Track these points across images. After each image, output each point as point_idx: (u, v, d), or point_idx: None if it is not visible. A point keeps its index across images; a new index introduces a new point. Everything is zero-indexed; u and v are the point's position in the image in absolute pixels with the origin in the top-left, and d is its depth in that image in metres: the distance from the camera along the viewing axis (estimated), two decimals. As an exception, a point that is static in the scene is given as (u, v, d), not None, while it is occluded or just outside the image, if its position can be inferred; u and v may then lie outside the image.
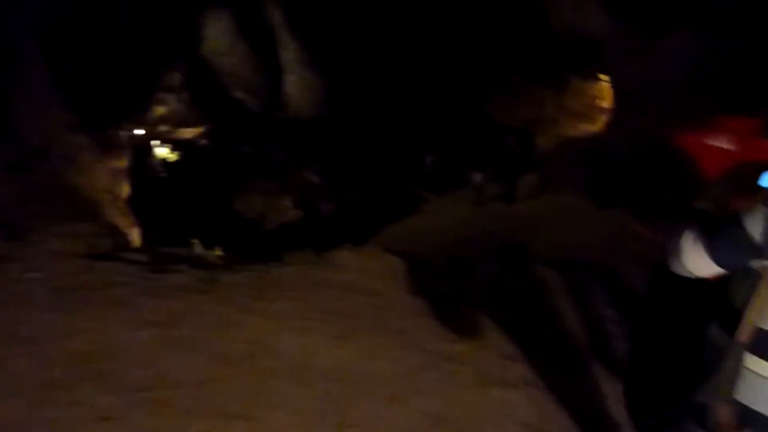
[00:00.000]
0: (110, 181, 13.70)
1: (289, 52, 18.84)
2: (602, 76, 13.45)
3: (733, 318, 1.72)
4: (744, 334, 1.68)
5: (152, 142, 17.41)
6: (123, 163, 15.24)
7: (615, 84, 11.91)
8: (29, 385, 2.88)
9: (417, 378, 3.52)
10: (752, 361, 1.68)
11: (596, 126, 13.52)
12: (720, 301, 1.81)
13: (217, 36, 18.55)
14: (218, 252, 11.70)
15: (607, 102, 13.76)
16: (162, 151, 17.60)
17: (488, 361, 3.74)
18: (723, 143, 1.90)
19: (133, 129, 16.38)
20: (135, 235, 13.52)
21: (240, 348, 3.42)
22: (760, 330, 1.66)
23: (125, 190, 14.40)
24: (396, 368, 3.57)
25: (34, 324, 3.21)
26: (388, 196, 13.41)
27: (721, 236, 1.71)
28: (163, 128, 17.92)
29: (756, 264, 1.67)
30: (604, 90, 13.77)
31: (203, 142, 18.07)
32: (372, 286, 4.41)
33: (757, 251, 1.63)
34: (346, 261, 4.63)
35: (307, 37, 18.31)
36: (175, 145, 17.74)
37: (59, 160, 12.35)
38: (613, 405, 3.49)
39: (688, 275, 1.81)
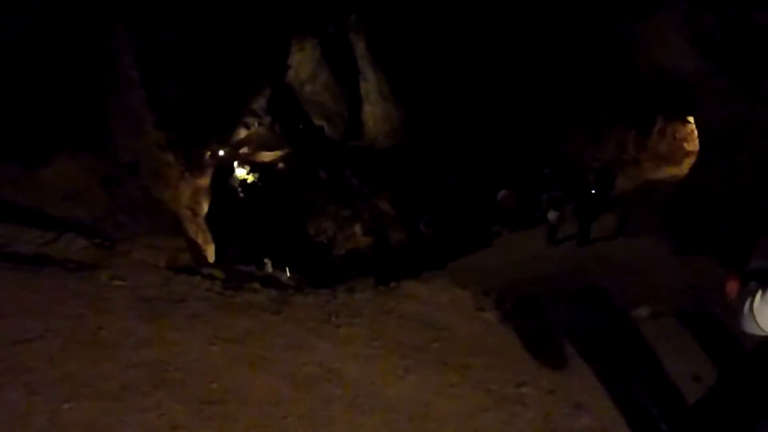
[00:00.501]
0: (192, 198, 14.40)
1: (369, 83, 19.32)
2: (690, 118, 12.97)
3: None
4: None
5: (233, 163, 18.19)
6: (205, 181, 16.01)
7: (703, 127, 11.44)
8: (108, 388, 3.03)
9: (479, 419, 3.45)
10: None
11: (681, 170, 12.99)
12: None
13: (302, 64, 19.31)
14: (288, 274, 12.00)
15: (693, 145, 13.24)
16: (241, 172, 18.35)
17: (555, 408, 3.62)
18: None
19: (217, 150, 17.21)
20: (211, 251, 14.10)
21: (307, 371, 3.47)
22: None
23: (205, 207, 15.07)
24: (458, 406, 3.51)
25: (117, 330, 3.39)
26: (460, 229, 13.33)
27: None
28: (244, 150, 18.71)
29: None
30: (691, 132, 13.27)
31: (281, 165, 18.70)
32: (440, 320, 4.38)
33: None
34: (415, 292, 4.63)
35: (388, 68, 18.75)
36: (255, 167, 18.45)
37: (148, 175, 13.12)
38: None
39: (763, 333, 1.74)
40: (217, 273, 4.48)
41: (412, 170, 18.64)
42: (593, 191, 12.07)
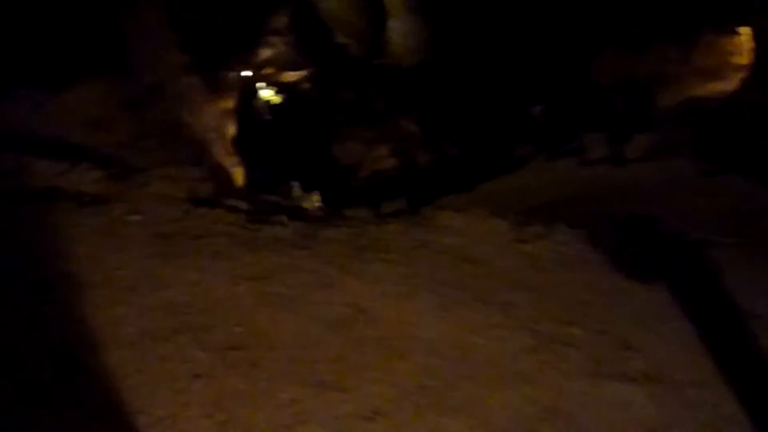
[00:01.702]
0: (218, 121, 13.93)
1: (394, -3, 18.15)
2: (741, 30, 11.85)
3: None
4: None
5: (258, 84, 17.54)
6: (230, 104, 15.46)
7: (757, 39, 10.43)
8: (126, 334, 2.78)
9: (523, 361, 3.13)
10: None
11: (729, 85, 12.03)
12: None
13: (324, -21, 18.14)
14: (317, 198, 11.71)
15: (744, 59, 12.18)
16: (267, 94, 17.72)
17: (606, 350, 3.28)
18: None
19: (241, 71, 16.51)
20: (238, 175, 13.81)
21: (336, 311, 3.17)
22: None
23: (231, 130, 14.63)
24: (501, 348, 3.20)
25: (134, 270, 3.11)
26: (490, 150, 12.72)
27: None
28: (268, 71, 17.97)
29: None
30: (740, 45, 12.17)
31: (306, 85, 17.98)
32: (477, 253, 4.01)
33: None
34: (450, 222, 4.24)
35: (413, -19, 17.51)
36: (280, 87, 17.78)
37: (172, 98, 12.63)
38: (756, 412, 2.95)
39: None
40: (241, 204, 4.14)
41: (439, 89, 17.80)
42: (628, 111, 11.34)
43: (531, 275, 3.94)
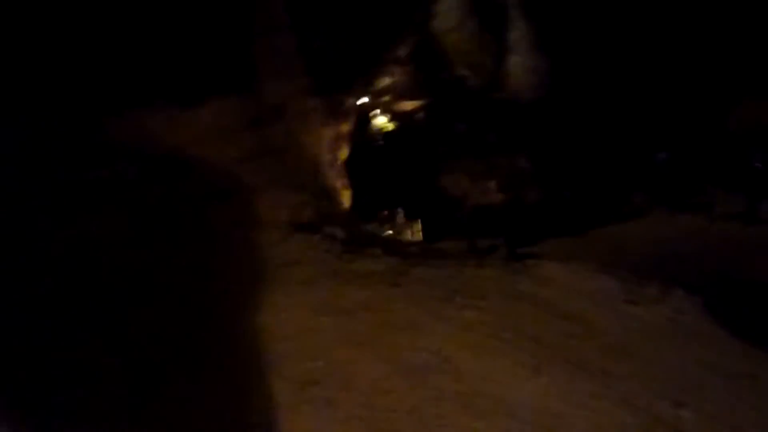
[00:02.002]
0: (332, 144, 14.35)
1: (516, 33, 17.90)
2: None
3: None
4: None
5: (373, 111, 17.94)
6: (346, 128, 15.91)
7: None
8: (212, 358, 2.78)
9: (621, 441, 2.79)
10: None
11: None
12: None
13: (448, 12, 18.30)
14: (417, 228, 11.63)
15: None
16: (381, 121, 18.05)
17: (722, 443, 2.84)
18: None
19: (359, 97, 16.97)
20: (346, 197, 14.09)
21: (419, 357, 3.00)
22: None
23: (344, 153, 15.01)
24: (595, 423, 2.86)
25: (221, 291, 3.14)
26: (605, 195, 11.99)
27: None
28: (385, 98, 18.34)
29: None
30: None
31: (420, 115, 18.12)
32: (580, 311, 3.67)
33: None
34: (554, 274, 3.94)
35: (538, 19, 17.18)
36: (395, 115, 18.06)
37: (292, 119, 13.19)
38: None
39: None
40: (339, 233, 4.11)
41: (555, 127, 17.21)
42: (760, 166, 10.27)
43: (638, 343, 3.54)
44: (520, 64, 17.93)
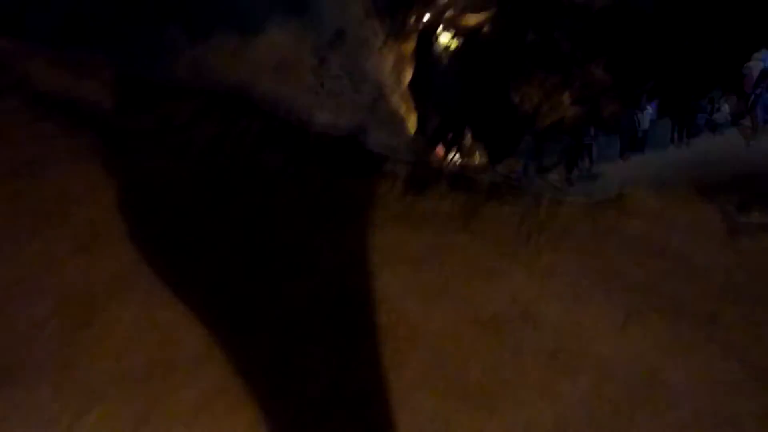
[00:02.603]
0: (395, 66, 13.66)
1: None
2: None
3: None
4: None
5: (438, 28, 16.85)
6: (410, 47, 15.08)
7: None
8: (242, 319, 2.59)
9: (729, 402, 2.39)
10: None
11: None
12: None
13: None
14: (481, 154, 10.91)
15: None
16: (446, 38, 16.97)
17: None
18: None
19: (422, 14, 15.94)
20: (412, 120, 13.54)
21: (496, 308, 2.68)
22: None
23: (408, 74, 14.30)
24: (698, 379, 2.47)
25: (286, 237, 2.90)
26: (690, 103, 10.77)
27: None
28: (449, 13, 17.15)
29: None
30: None
31: (487, 27, 16.86)
32: (676, 246, 3.19)
33: None
34: (643, 205, 3.42)
35: None
36: (460, 31, 16.89)
37: (354, 44, 12.56)
38: None
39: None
40: (400, 169, 3.73)
41: (634, 33, 15.56)
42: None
43: (746, 282, 3.03)
44: (595, -36, 16.11)
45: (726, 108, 10.24)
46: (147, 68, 9.24)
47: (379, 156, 4.40)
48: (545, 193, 3.58)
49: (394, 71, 13.52)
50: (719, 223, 3.43)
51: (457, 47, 16.83)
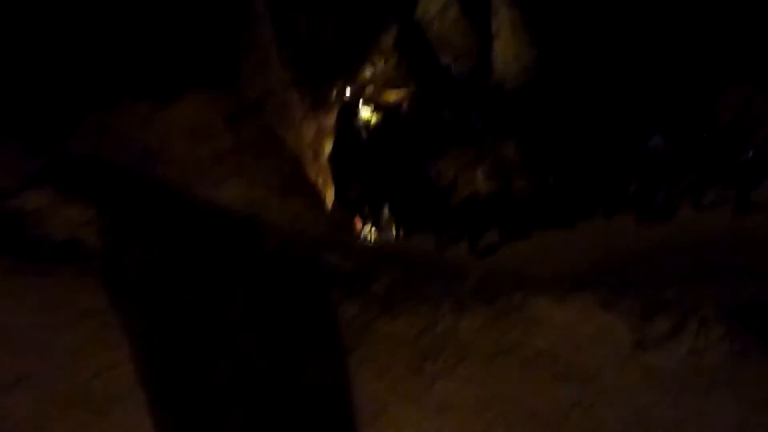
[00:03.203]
0: (315, 138, 13.43)
1: (500, 19, 16.90)
2: None
3: None
4: None
5: (358, 102, 16.96)
6: (330, 120, 14.97)
7: None
8: None
9: None
10: None
11: None
12: None
13: (431, 0, 17.27)
14: (397, 227, 10.70)
15: None
16: (366, 111, 17.08)
17: None
18: None
19: (343, 88, 16.01)
20: (330, 194, 13.21)
21: (380, 457, 2.20)
22: None
23: (328, 147, 14.10)
24: None
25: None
26: (595, 184, 11.12)
27: None
28: (370, 89, 17.36)
29: None
30: None
31: (406, 105, 17.17)
32: (581, 364, 2.86)
33: None
34: (547, 315, 3.12)
35: (522, 4, 16.19)
36: (380, 105, 17.09)
37: (273, 113, 12.24)
38: None
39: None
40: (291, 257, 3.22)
41: (543, 113, 16.31)
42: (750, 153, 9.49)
43: (659, 404, 2.73)
44: (502, 51, 16.95)
45: (631, 190, 10.56)
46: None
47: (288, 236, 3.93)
48: (446, 302, 3.17)
49: (314, 143, 13.27)
50: (625, 333, 3.14)
51: (377, 122, 16.97)
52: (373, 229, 11.24)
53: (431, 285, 3.47)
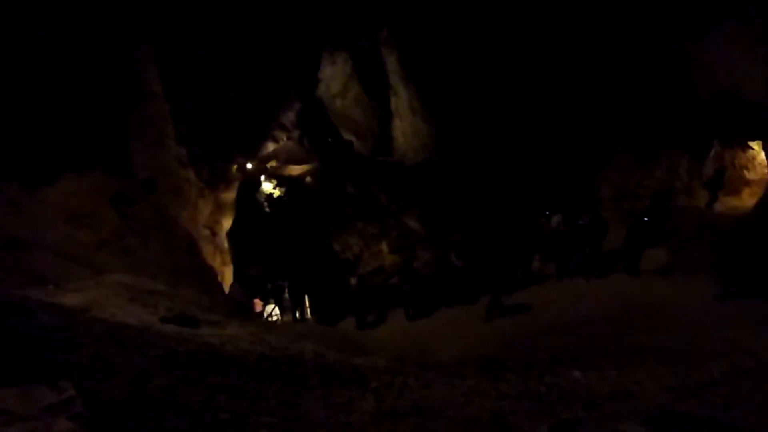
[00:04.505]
0: (212, 216, 12.82)
1: (399, 98, 17.58)
2: (753, 144, 10.85)
3: None
4: None
5: (260, 177, 16.64)
6: (231, 196, 14.47)
7: (773, 155, 9.37)
8: None
9: None
10: None
11: (740, 200, 10.89)
12: None
13: (332, 78, 17.68)
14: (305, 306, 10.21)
15: (755, 173, 11.12)
16: (268, 186, 16.77)
17: None
18: None
19: (244, 163, 15.70)
20: (228, 273, 12.51)
21: None
22: None
23: (227, 224, 13.51)
24: None
25: None
26: (493, 259, 11.33)
27: None
28: (272, 164, 17.17)
29: None
30: (752, 159, 11.14)
31: (309, 179, 17.09)
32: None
33: None
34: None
35: (419, 83, 16.99)
36: (282, 181, 16.87)
37: (165, 193, 11.57)
38: None
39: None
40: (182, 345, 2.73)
41: (442, 187, 16.83)
42: (645, 219, 10.09)
43: None
44: (402, 127, 17.55)
45: (536, 264, 10.59)
46: None
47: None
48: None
49: (211, 221, 12.66)
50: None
51: (280, 195, 16.69)
52: (276, 310, 10.66)
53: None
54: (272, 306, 10.64)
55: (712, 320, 7.26)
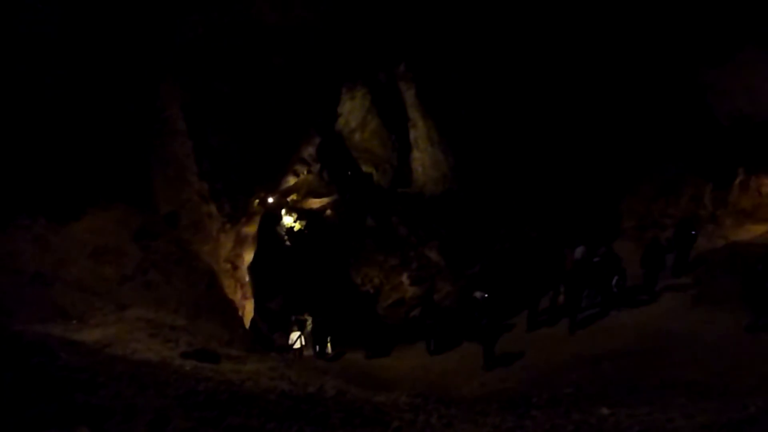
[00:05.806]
0: (234, 250, 12.92)
1: (418, 130, 17.69)
2: (779, 171, 10.65)
3: None
4: None
5: (281, 211, 16.78)
6: (252, 229, 14.60)
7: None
8: None
9: None
10: None
11: (769, 229, 10.62)
12: None
13: (351, 112, 17.93)
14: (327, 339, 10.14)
15: (784, 201, 10.86)
16: (289, 220, 16.88)
17: None
18: None
19: (266, 197, 15.86)
20: (249, 307, 12.51)
21: None
22: None
23: (248, 257, 13.59)
24: None
25: None
26: (510, 289, 11.17)
27: None
28: (292, 197, 17.31)
29: None
30: (780, 187, 10.91)
31: (329, 212, 17.16)
32: None
33: None
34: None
35: (437, 116, 17.11)
36: (302, 214, 16.98)
37: (187, 228, 11.72)
38: None
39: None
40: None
41: (461, 218, 16.73)
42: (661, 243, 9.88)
43: None
44: (420, 159, 17.61)
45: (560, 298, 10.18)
46: None
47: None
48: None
49: (232, 255, 12.75)
50: None
51: (300, 229, 16.79)
52: (299, 342, 10.61)
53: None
54: (297, 333, 10.62)
55: (744, 353, 7.03)
